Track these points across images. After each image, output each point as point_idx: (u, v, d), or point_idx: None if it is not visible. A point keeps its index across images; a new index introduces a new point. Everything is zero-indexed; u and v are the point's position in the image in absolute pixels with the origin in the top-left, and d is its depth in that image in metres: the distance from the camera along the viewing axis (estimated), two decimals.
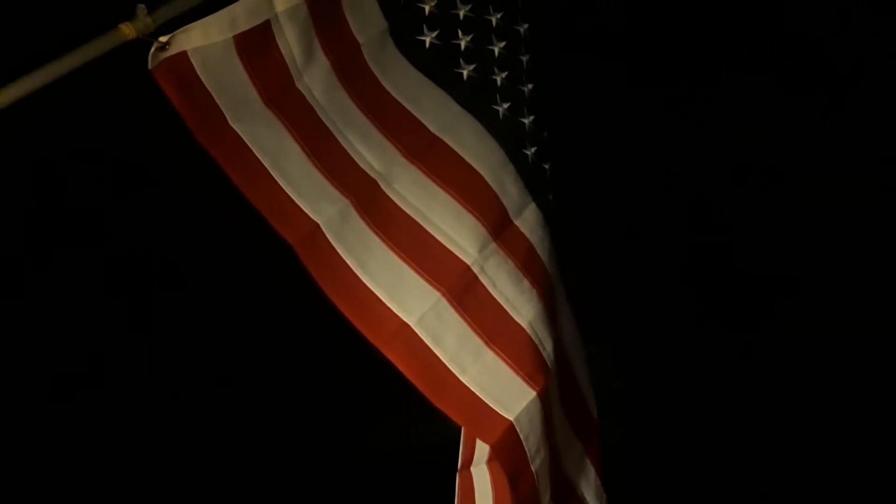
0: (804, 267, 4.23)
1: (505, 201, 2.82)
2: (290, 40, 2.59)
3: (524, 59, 2.92)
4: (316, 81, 2.63)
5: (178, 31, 2.40)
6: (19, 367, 3.74)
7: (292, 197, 2.55)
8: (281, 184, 2.54)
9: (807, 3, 4.00)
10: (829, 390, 4.16)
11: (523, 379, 2.69)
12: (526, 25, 2.93)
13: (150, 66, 2.37)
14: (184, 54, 2.40)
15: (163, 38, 2.37)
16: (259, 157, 2.52)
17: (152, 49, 2.37)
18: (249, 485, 4.00)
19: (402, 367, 2.60)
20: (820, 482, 4.07)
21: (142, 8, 2.38)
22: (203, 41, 2.42)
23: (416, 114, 2.76)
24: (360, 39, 2.73)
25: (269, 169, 2.53)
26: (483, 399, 2.65)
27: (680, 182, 4.12)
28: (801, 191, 4.18)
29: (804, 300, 4.22)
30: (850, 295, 4.20)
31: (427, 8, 2.79)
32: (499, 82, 2.87)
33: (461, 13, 2.84)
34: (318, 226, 2.56)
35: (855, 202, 4.19)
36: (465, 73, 2.83)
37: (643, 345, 4.09)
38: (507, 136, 2.87)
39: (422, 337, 2.61)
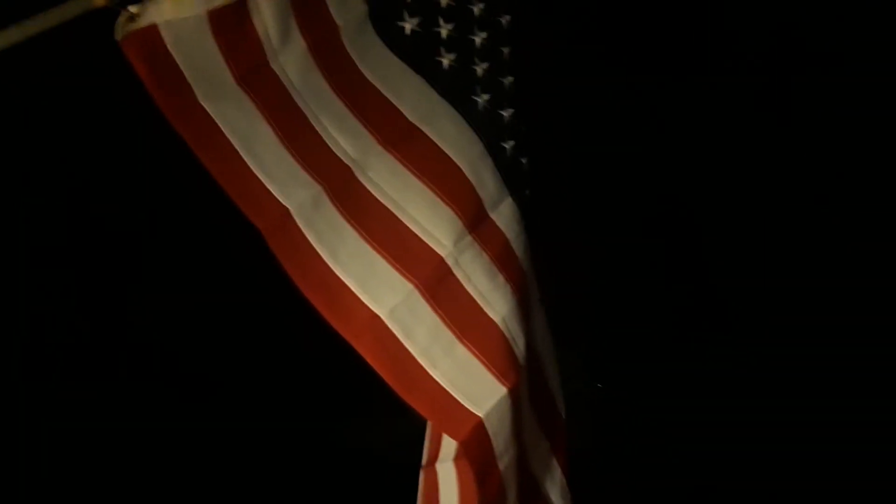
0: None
1: (482, 194, 2.77)
2: (267, 18, 2.53)
3: (505, 50, 2.88)
4: (291, 62, 2.57)
5: (148, 1, 2.31)
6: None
7: (262, 180, 2.48)
8: (251, 166, 2.47)
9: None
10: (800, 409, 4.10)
11: (495, 375, 2.63)
12: (508, 17, 2.90)
13: (117, 37, 2.29)
14: (154, 27, 2.33)
15: (132, 8, 2.29)
16: (229, 138, 2.45)
17: (120, 19, 2.29)
18: (216, 481, 3.92)
19: (371, 360, 2.53)
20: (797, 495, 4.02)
21: None
22: (174, 14, 2.35)
23: (393, 101, 2.71)
24: (339, 22, 2.68)
25: (239, 150, 2.46)
26: (453, 395, 2.59)
27: (661, 182, 4.07)
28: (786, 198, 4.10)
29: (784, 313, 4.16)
30: (832, 311, 4.12)
31: None
32: (479, 73, 2.84)
33: (443, 1, 2.78)
34: (288, 211, 2.49)
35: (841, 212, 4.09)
36: (445, 61, 2.79)
37: (613, 348, 4.05)
38: (485, 128, 2.83)
39: (392, 330, 2.55)
